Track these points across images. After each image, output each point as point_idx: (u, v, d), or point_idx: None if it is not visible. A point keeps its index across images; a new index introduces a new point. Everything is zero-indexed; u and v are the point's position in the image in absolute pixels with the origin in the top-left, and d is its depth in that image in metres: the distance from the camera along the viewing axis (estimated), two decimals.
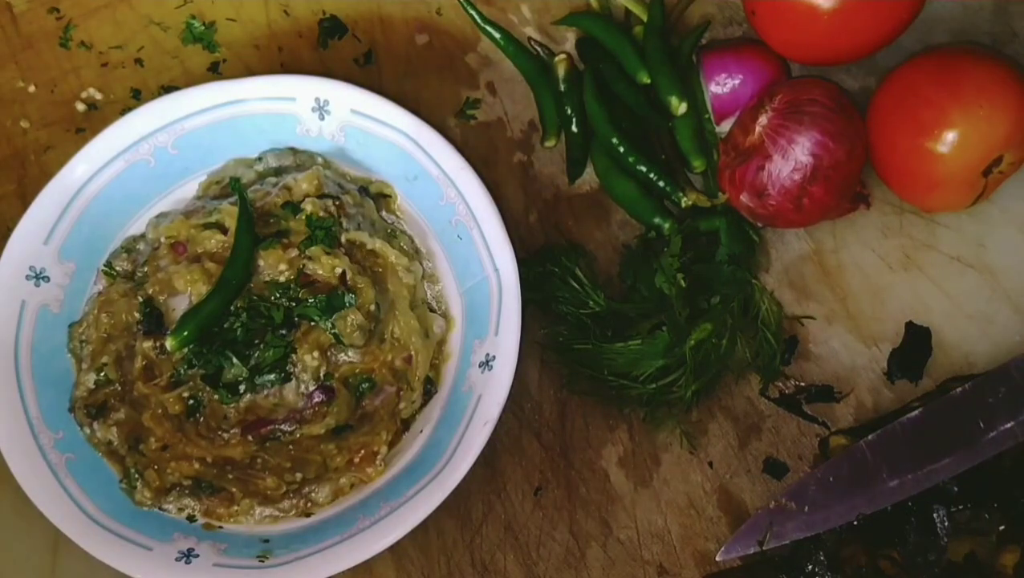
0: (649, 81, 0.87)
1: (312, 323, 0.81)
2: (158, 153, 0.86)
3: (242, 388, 0.80)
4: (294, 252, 0.82)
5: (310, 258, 0.82)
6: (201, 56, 0.94)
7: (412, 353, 0.83)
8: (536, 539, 0.84)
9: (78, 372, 0.84)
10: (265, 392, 0.81)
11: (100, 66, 0.95)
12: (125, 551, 0.78)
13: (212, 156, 0.88)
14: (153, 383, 0.81)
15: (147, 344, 0.82)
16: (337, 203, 0.83)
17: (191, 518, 0.81)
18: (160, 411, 0.80)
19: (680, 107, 0.86)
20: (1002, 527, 0.78)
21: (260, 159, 0.87)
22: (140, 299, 0.83)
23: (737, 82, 0.87)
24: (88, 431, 0.82)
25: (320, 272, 0.82)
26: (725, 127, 0.88)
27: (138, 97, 0.93)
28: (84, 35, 0.95)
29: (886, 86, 0.83)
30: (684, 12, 0.92)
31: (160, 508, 0.81)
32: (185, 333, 0.79)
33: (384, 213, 0.88)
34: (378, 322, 0.82)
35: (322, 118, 0.86)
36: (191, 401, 0.81)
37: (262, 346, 0.80)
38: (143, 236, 0.87)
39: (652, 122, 0.88)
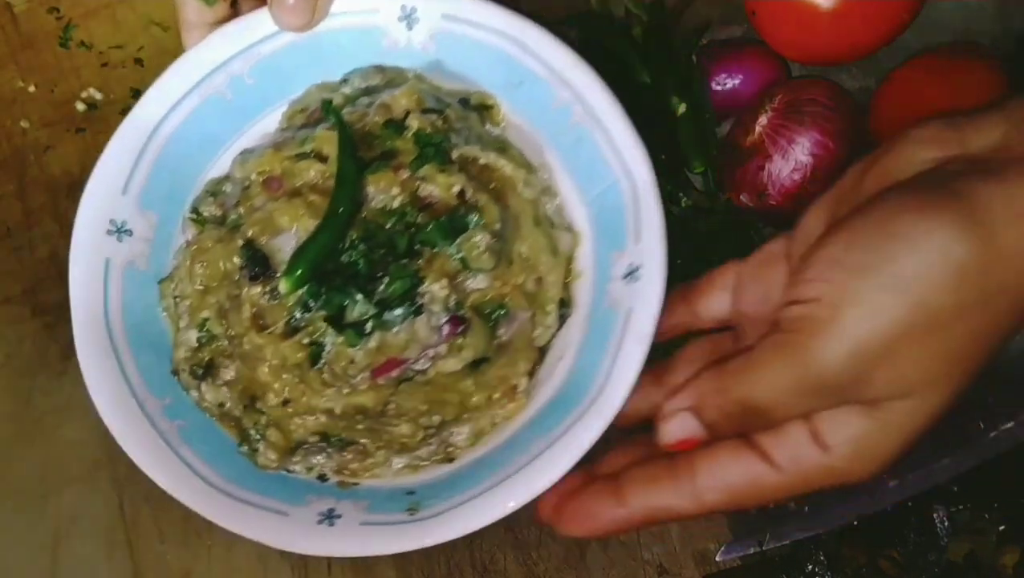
0: (649, 81, 0.86)
1: (434, 249, 0.73)
2: (234, 84, 0.78)
3: (369, 326, 0.72)
4: (405, 173, 0.74)
5: (423, 179, 0.74)
6: None
7: (543, 273, 0.75)
8: (536, 539, 0.83)
9: (175, 332, 0.76)
10: (395, 329, 0.72)
11: (100, 66, 0.95)
12: (260, 519, 0.69)
13: (291, 84, 0.79)
14: (268, 332, 0.73)
15: (255, 291, 0.73)
16: (442, 117, 0.75)
17: (322, 477, 0.73)
18: (277, 362, 0.72)
19: (680, 107, 0.85)
20: (1002, 527, 0.77)
21: (345, 81, 0.79)
22: (240, 242, 0.74)
23: (737, 82, 0.87)
24: (196, 394, 0.74)
25: (436, 192, 0.74)
26: (725, 127, 0.87)
27: (138, 97, 0.87)
28: (84, 35, 0.97)
29: (886, 86, 0.82)
30: (684, 12, 0.91)
31: (287, 470, 0.74)
32: (299, 272, 0.71)
33: (488, 126, 0.79)
34: (504, 242, 0.74)
35: (410, 27, 0.78)
36: (312, 347, 0.72)
37: (387, 279, 0.72)
38: (227, 177, 0.78)
39: (652, 122, 0.83)
